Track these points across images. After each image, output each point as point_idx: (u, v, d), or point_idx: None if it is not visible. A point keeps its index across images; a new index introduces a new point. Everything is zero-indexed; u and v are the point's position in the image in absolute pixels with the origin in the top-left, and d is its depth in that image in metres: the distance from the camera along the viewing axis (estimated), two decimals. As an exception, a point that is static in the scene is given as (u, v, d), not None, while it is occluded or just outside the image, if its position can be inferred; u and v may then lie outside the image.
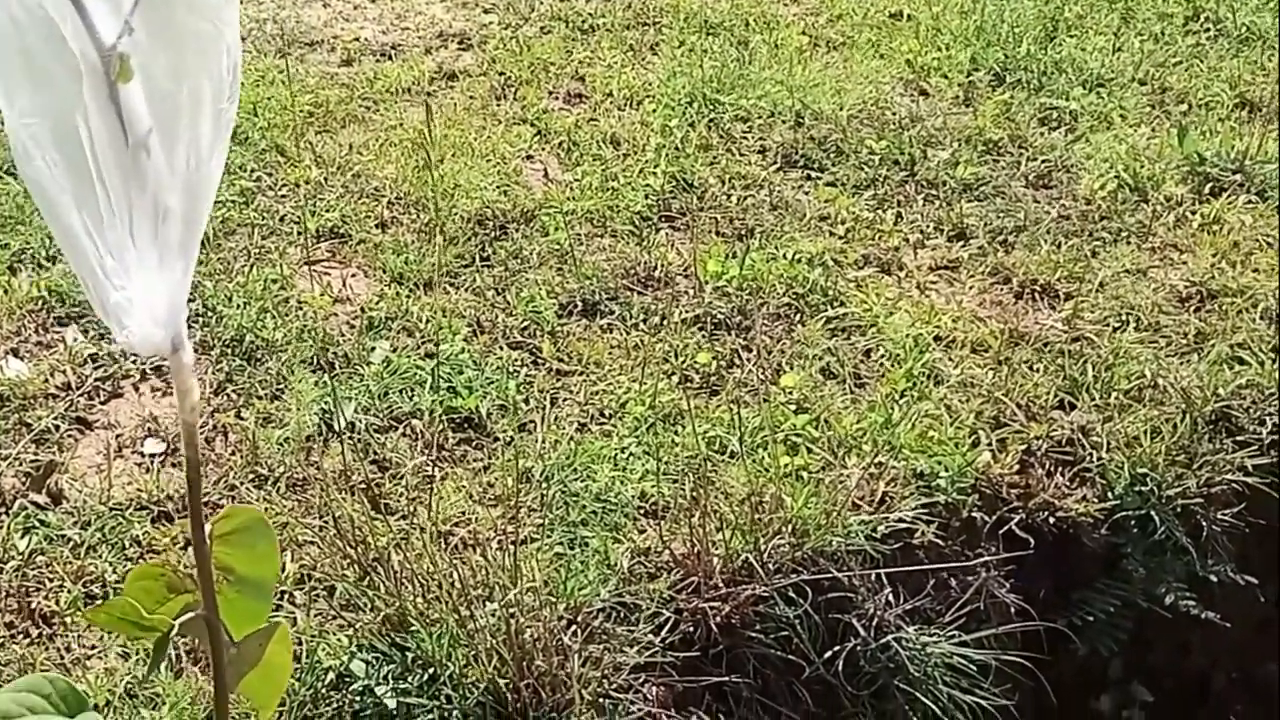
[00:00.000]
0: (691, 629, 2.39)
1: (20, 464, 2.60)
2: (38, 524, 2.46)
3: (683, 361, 2.99)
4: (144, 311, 1.03)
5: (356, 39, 4.38)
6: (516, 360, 2.97)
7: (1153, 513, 2.84)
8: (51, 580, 2.36)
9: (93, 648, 2.25)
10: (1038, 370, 3.05)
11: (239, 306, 3.04)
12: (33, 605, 2.30)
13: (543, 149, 3.81)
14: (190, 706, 2.09)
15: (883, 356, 3.07)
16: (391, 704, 2.11)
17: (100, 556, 2.41)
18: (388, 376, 2.87)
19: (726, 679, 2.37)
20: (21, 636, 2.26)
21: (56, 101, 0.99)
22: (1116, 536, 2.86)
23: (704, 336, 3.08)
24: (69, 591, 2.32)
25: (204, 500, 1.20)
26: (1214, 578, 2.89)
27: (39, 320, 2.99)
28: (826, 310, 3.19)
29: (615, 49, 4.35)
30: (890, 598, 2.52)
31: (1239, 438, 2.97)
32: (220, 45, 1.04)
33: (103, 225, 1.01)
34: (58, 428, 2.69)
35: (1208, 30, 4.62)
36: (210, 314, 3.01)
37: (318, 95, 3.98)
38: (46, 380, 2.80)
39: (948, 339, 3.13)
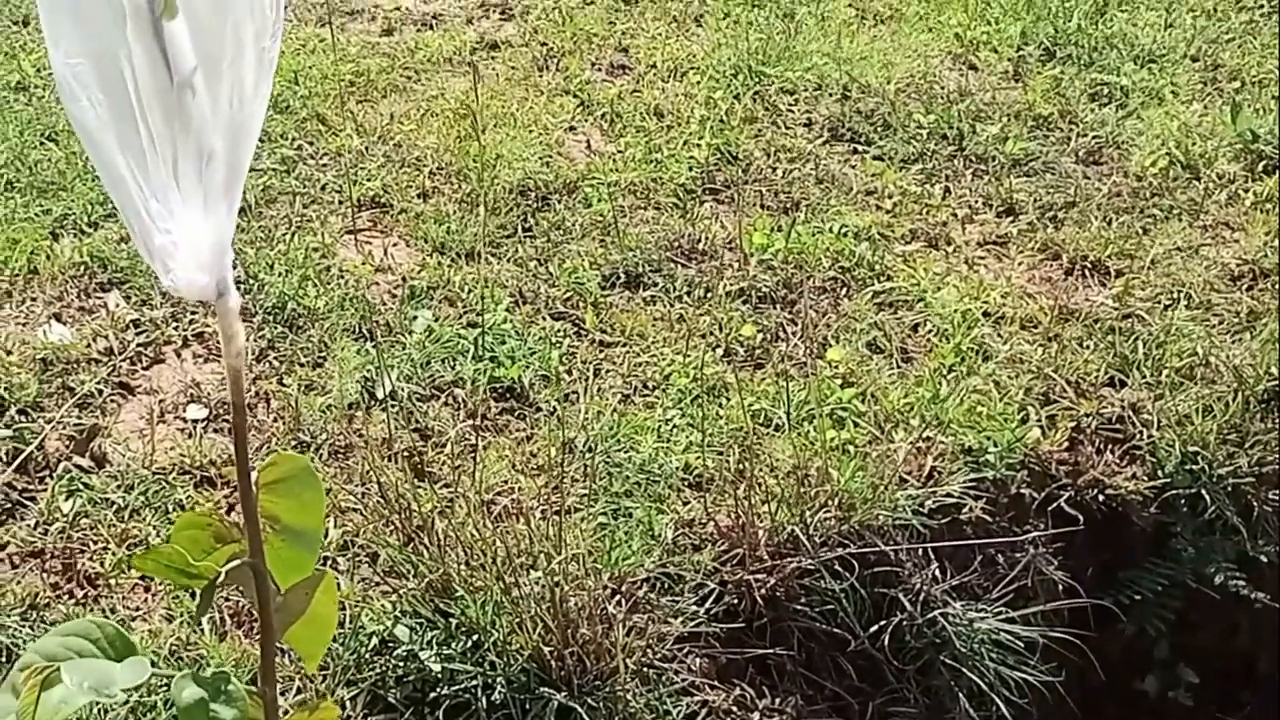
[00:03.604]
0: (736, 601, 2.37)
1: (64, 427, 2.59)
2: (82, 487, 2.46)
3: (727, 334, 2.96)
4: (189, 255, 1.02)
5: (398, 8, 4.36)
6: (559, 331, 2.95)
7: (1203, 491, 2.80)
8: (96, 542, 2.35)
9: (137, 609, 2.24)
10: (1088, 347, 3.01)
11: (281, 274, 3.03)
12: (78, 566, 2.30)
13: (585, 120, 3.78)
14: (234, 669, 2.08)
15: (930, 331, 3.03)
16: (436, 669, 2.10)
17: (144, 520, 2.40)
18: (430, 345, 2.86)
19: (770, 651, 2.35)
20: (67, 597, 2.25)
21: (101, 41, 0.98)
22: (1166, 515, 2.82)
23: (749, 309, 3.05)
24: (113, 554, 2.32)
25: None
26: (1264, 558, 2.85)
27: (81, 285, 2.98)
28: (873, 284, 3.15)
29: (659, 20, 4.31)
30: (937, 573, 2.49)
31: (1292, 417, 2.93)
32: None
33: (147, 167, 0.99)
34: (100, 392, 2.69)
35: (1261, 7, 4.54)
36: (252, 281, 3.00)
37: (359, 64, 3.97)
38: (89, 345, 2.80)
39: (996, 314, 3.09)
